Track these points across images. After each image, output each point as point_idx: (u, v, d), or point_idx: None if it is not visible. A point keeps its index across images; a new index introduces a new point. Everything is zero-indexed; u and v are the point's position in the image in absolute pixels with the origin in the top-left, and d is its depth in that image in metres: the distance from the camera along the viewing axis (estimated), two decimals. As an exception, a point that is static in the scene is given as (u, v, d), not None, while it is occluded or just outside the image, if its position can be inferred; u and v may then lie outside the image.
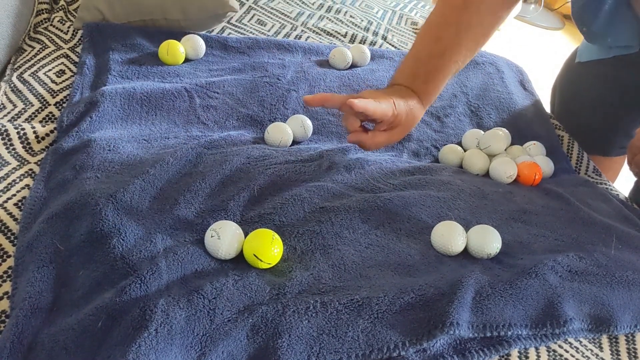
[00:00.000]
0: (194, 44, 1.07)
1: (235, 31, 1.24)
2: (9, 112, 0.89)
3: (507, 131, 1.04)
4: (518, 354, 0.65)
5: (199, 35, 1.11)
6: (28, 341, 0.56)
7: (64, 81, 0.98)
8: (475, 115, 1.11)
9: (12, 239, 0.69)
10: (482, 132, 1.02)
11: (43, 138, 0.84)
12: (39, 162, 0.80)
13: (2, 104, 0.90)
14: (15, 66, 0.99)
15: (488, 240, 0.74)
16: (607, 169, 1.21)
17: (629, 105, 1.11)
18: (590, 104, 1.15)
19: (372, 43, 1.30)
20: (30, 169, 0.79)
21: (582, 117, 1.18)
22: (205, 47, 1.09)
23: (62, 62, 1.02)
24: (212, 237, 0.67)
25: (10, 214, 0.71)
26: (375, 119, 0.78)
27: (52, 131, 0.85)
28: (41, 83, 0.96)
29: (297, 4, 1.39)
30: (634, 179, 1.19)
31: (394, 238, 0.75)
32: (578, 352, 0.67)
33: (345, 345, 0.59)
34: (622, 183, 1.30)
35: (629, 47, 1.03)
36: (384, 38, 1.34)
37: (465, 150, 1.00)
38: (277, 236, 0.68)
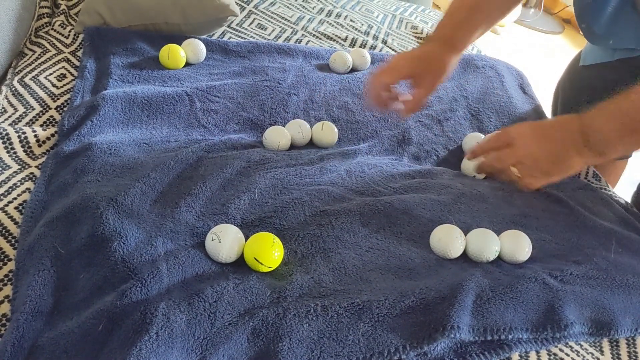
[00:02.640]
0: (195, 48, 1.07)
1: (236, 35, 1.24)
2: (10, 116, 0.89)
3: None
4: (519, 358, 0.65)
5: (200, 39, 1.11)
6: (29, 344, 0.56)
7: (64, 85, 0.98)
8: (475, 119, 1.11)
9: (12, 242, 0.69)
10: (483, 136, 1.02)
11: (44, 142, 0.84)
12: (39, 166, 0.80)
13: (3, 107, 0.91)
14: (17, 70, 1.00)
15: (487, 244, 0.74)
16: (608, 173, 1.21)
17: None
18: (594, 107, 1.15)
19: (373, 47, 1.30)
20: (31, 173, 0.79)
21: None
22: (206, 51, 1.09)
23: (63, 66, 1.03)
24: (212, 240, 0.67)
25: (11, 217, 0.71)
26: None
27: (53, 135, 0.85)
28: (42, 87, 0.96)
29: (298, 8, 1.39)
30: (636, 182, 1.19)
31: (394, 241, 0.75)
32: (579, 356, 0.67)
33: (346, 348, 0.59)
34: (624, 187, 1.30)
35: (633, 49, 1.02)
36: (384, 42, 1.35)
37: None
38: (277, 240, 0.68)
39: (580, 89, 1.17)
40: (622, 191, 1.08)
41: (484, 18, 0.95)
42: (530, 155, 0.80)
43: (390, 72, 0.91)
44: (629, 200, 1.09)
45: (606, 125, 0.76)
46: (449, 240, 0.74)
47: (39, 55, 1.04)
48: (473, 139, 1.02)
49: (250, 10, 1.33)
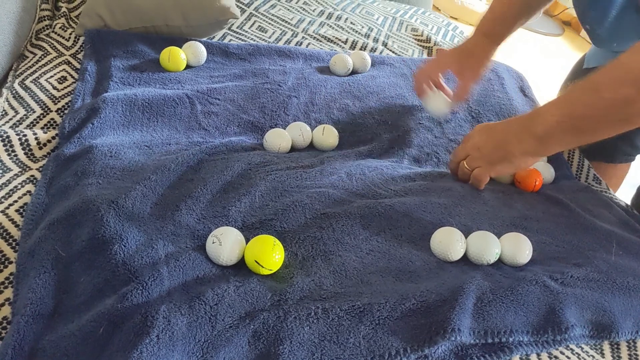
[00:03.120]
0: (195, 51, 1.07)
1: (236, 38, 1.24)
2: (10, 119, 0.89)
3: None
4: (519, 360, 0.65)
5: (200, 41, 1.11)
6: (29, 347, 0.56)
7: (65, 88, 0.98)
8: (475, 121, 1.11)
9: (13, 245, 0.69)
10: None
11: (45, 144, 0.84)
12: (40, 169, 0.80)
13: (4, 110, 0.91)
14: (17, 73, 1.00)
15: (487, 247, 0.74)
16: (610, 176, 1.21)
17: None
18: None
19: (373, 49, 1.31)
20: (32, 175, 0.79)
21: None
22: (207, 54, 1.09)
23: (64, 69, 1.03)
24: (213, 243, 0.67)
25: (11, 220, 0.71)
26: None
27: (53, 137, 0.85)
28: (43, 89, 0.96)
29: (298, 11, 1.40)
30: (637, 185, 1.19)
31: (395, 244, 0.75)
32: (580, 359, 0.67)
33: (347, 351, 0.59)
34: (624, 190, 1.30)
35: None
36: (385, 44, 1.35)
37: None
38: (278, 242, 0.68)
39: None
40: (623, 194, 1.08)
41: (522, 10, 1.03)
42: (474, 145, 0.86)
43: (434, 65, 1.05)
44: (629, 202, 1.09)
45: (549, 111, 0.78)
46: (449, 242, 0.74)
47: (40, 57, 1.04)
48: None
49: (250, 13, 1.33)
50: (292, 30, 1.31)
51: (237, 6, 1.30)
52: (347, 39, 1.31)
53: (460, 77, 1.04)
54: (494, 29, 1.04)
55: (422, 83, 1.05)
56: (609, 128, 0.77)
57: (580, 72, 1.19)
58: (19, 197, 0.75)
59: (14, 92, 0.95)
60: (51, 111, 0.93)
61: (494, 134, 0.85)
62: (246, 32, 1.27)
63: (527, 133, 0.80)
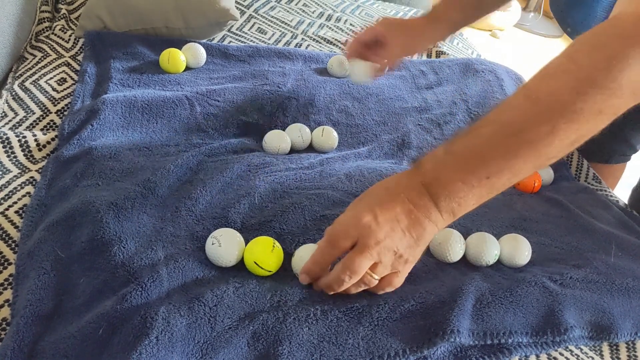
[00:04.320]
0: (195, 52, 1.07)
1: (236, 39, 1.25)
2: (10, 120, 0.89)
3: None
4: (518, 362, 0.65)
5: (200, 43, 1.11)
6: (29, 349, 0.55)
7: (65, 89, 0.98)
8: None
9: (13, 246, 0.69)
10: None
11: (44, 146, 0.84)
12: (40, 170, 0.80)
13: (4, 112, 0.91)
14: (17, 74, 1.00)
15: (487, 248, 0.74)
16: (607, 176, 1.21)
17: (630, 113, 1.11)
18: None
19: (372, 51, 1.31)
20: (32, 177, 0.79)
21: None
22: (206, 56, 1.10)
23: (64, 71, 1.03)
24: (212, 244, 0.67)
25: (11, 221, 0.72)
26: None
27: (53, 139, 0.85)
28: (42, 91, 0.96)
29: (298, 13, 1.40)
30: (631, 186, 1.19)
31: (394, 245, 0.75)
32: (579, 360, 0.67)
33: (346, 352, 0.59)
34: (623, 190, 1.30)
35: None
36: (384, 46, 1.35)
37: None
38: (277, 244, 0.68)
39: None
40: (618, 194, 1.08)
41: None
42: (386, 248, 0.60)
43: (370, 30, 0.99)
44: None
45: (451, 180, 0.60)
46: (448, 244, 0.74)
47: (40, 59, 1.04)
48: None
49: (250, 15, 1.33)
50: (291, 32, 1.31)
51: (237, 8, 1.30)
52: (346, 41, 1.32)
53: (391, 48, 0.98)
54: (438, 11, 0.99)
55: (353, 47, 1.01)
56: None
57: None
58: (19, 199, 0.75)
59: (13, 93, 0.95)
60: (51, 113, 0.93)
61: (401, 222, 0.60)
62: (246, 33, 1.27)
63: (438, 210, 0.61)
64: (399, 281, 0.64)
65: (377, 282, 0.62)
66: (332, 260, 0.62)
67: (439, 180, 0.60)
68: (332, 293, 0.63)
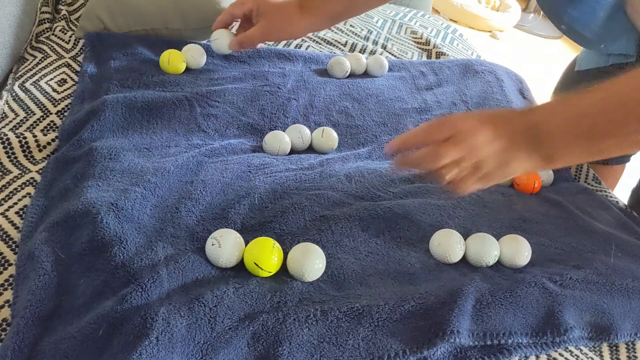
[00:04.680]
0: (195, 53, 1.07)
1: (236, 40, 1.24)
2: (10, 121, 0.89)
3: None
4: (518, 362, 0.65)
5: (200, 44, 1.11)
6: (29, 349, 0.56)
7: (65, 90, 0.98)
8: (474, 124, 1.11)
9: (13, 247, 0.69)
10: None
11: (44, 147, 0.84)
12: (40, 171, 0.80)
13: (4, 112, 0.91)
14: (17, 75, 1.00)
15: (486, 249, 0.74)
16: (606, 177, 1.21)
17: None
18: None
19: (372, 52, 1.31)
20: (32, 178, 0.79)
21: None
22: (206, 56, 1.10)
23: (64, 71, 1.03)
24: (212, 245, 0.67)
25: (11, 222, 0.72)
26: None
27: (53, 140, 0.85)
28: (43, 92, 0.96)
29: (298, 14, 1.40)
30: (631, 187, 1.19)
31: (394, 246, 0.75)
32: (578, 361, 0.67)
33: (346, 353, 0.59)
34: (622, 191, 1.30)
35: (627, 55, 1.03)
36: (384, 47, 1.35)
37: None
38: (277, 244, 0.68)
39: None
40: (618, 195, 1.08)
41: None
42: (474, 153, 0.65)
43: (239, 5, 0.98)
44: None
45: (559, 128, 0.65)
46: (448, 244, 0.74)
47: (40, 60, 1.04)
48: None
49: (250, 16, 1.33)
50: (291, 32, 1.31)
51: (237, 9, 1.30)
52: (346, 42, 1.32)
53: (257, 28, 0.98)
54: (324, 5, 0.96)
55: (221, 19, 1.01)
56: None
57: (572, 74, 1.19)
58: (19, 200, 0.75)
59: (13, 94, 0.95)
60: (51, 113, 0.93)
61: (499, 142, 0.66)
62: (246, 34, 1.27)
63: (536, 151, 0.66)
64: (465, 188, 0.68)
65: (445, 181, 0.68)
66: (420, 143, 0.68)
67: (547, 124, 0.65)
68: (402, 166, 0.70)
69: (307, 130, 0.95)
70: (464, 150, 0.65)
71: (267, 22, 0.97)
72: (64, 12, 1.18)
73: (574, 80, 1.19)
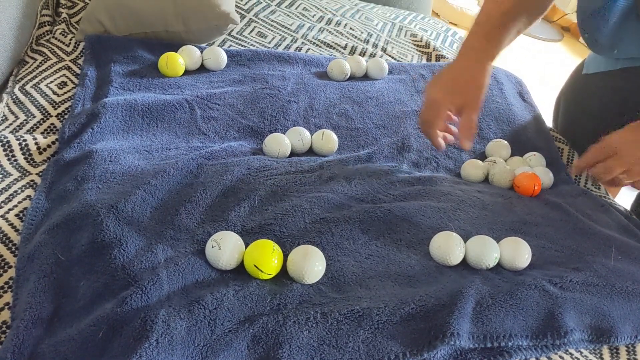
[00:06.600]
0: (191, 54, 1.07)
1: (236, 43, 1.25)
2: (11, 124, 0.89)
3: (506, 142, 1.06)
4: (519, 365, 0.65)
5: (199, 47, 1.11)
6: (29, 352, 0.56)
7: (65, 93, 0.99)
8: (474, 126, 1.12)
9: (13, 249, 0.69)
10: (507, 143, 1.06)
11: (45, 149, 0.84)
12: (40, 173, 0.80)
13: (4, 115, 0.91)
14: (18, 78, 1.00)
15: (487, 251, 0.74)
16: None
17: (635, 117, 1.11)
18: (596, 115, 1.15)
19: (372, 55, 1.31)
20: (32, 180, 0.79)
21: (587, 128, 1.18)
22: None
23: (64, 74, 1.03)
24: (212, 247, 0.67)
25: (11, 224, 0.72)
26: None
27: (53, 142, 0.85)
28: (43, 95, 0.97)
29: (298, 17, 1.40)
30: (636, 191, 1.19)
31: (394, 249, 0.75)
32: (579, 363, 0.67)
33: (346, 355, 0.59)
34: (625, 195, 1.30)
35: (636, 59, 1.03)
36: (384, 50, 1.35)
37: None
38: (277, 247, 0.68)
39: (583, 97, 1.17)
40: (622, 200, 1.08)
41: (518, 22, 0.93)
42: (638, 160, 0.86)
43: (434, 114, 0.90)
44: (628, 208, 1.09)
45: None
46: (448, 247, 0.74)
47: (40, 63, 1.04)
48: (496, 146, 1.05)
49: (250, 19, 1.33)
50: (291, 35, 1.32)
51: (237, 12, 1.31)
52: (346, 45, 1.32)
53: (463, 112, 0.89)
54: (487, 46, 0.91)
55: (436, 138, 0.92)
56: None
57: (579, 77, 1.19)
58: (19, 202, 0.75)
59: (14, 97, 0.95)
60: (51, 116, 0.93)
61: None
62: (246, 37, 1.28)
63: None
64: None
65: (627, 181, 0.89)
66: (597, 160, 0.89)
67: None
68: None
69: (307, 133, 0.95)
70: (627, 162, 0.86)
71: (472, 100, 0.90)
72: (64, 15, 1.18)
73: (581, 83, 1.19)
